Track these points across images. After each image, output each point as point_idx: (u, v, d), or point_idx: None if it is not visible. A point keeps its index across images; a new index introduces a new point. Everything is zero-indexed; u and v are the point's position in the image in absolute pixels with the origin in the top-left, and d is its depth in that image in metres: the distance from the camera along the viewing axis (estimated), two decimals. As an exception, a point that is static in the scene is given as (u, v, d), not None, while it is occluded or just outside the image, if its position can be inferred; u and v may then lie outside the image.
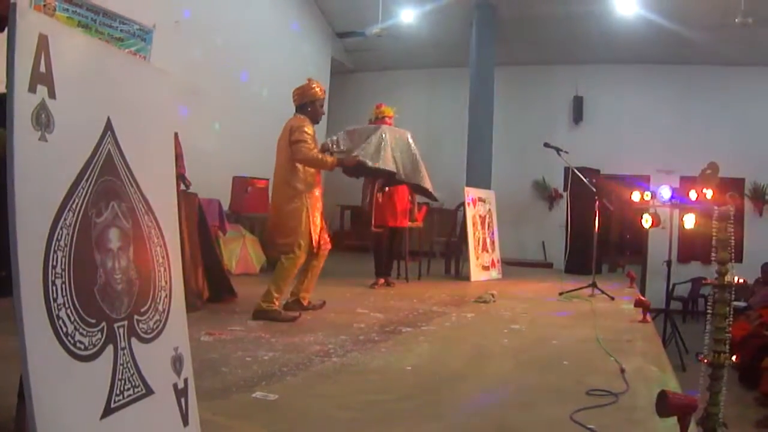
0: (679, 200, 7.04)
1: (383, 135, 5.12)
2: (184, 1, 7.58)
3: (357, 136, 5.15)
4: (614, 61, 11.24)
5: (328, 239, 4.70)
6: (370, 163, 4.94)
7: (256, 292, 4.52)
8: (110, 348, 1.53)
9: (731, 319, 2.85)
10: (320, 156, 4.46)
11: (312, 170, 4.50)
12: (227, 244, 6.74)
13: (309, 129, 4.40)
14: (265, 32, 9.44)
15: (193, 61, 7.45)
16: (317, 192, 4.54)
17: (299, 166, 4.41)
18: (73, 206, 1.46)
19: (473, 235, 7.53)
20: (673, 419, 2.14)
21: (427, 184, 5.77)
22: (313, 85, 4.54)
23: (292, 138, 4.34)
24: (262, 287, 4.44)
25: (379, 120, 5.91)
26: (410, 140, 5.59)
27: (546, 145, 6.56)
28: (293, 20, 10.54)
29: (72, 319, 1.40)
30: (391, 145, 5.19)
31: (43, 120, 1.37)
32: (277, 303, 4.36)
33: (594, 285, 6.19)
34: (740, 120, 10.78)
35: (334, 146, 4.95)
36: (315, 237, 4.46)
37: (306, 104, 4.49)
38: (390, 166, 5.12)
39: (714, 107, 10.92)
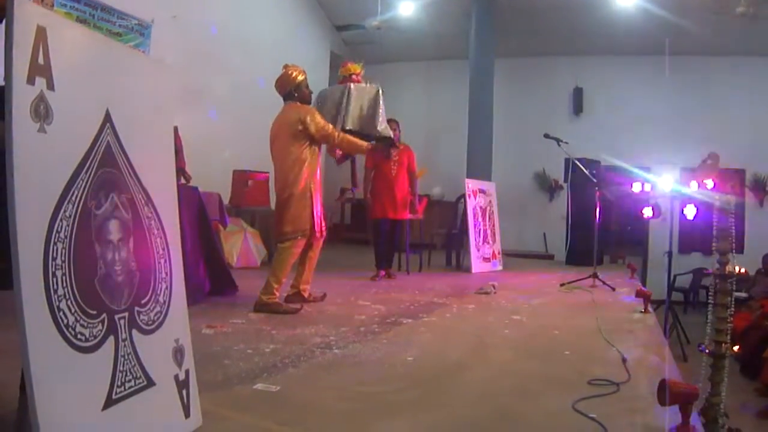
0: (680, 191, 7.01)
1: (350, 93, 5.01)
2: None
3: (328, 99, 5.10)
4: (614, 52, 11.19)
5: (324, 228, 4.69)
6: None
7: (257, 285, 4.52)
8: (111, 339, 1.54)
9: (732, 309, 2.84)
10: (356, 140, 4.65)
11: (314, 156, 4.48)
12: (228, 238, 6.74)
13: (318, 114, 4.48)
14: (263, 25, 9.40)
15: (191, 55, 7.42)
16: (318, 177, 4.55)
17: (305, 152, 4.40)
18: (73, 198, 1.45)
19: (474, 226, 7.54)
20: (675, 408, 2.14)
21: (384, 130, 5.28)
22: (290, 71, 4.52)
23: (312, 129, 4.37)
24: (263, 280, 4.44)
25: (346, 79, 5.75)
26: (380, 94, 5.25)
27: (546, 136, 6.55)
28: (292, 14, 10.49)
29: (72, 310, 1.40)
30: (354, 101, 5.04)
31: (42, 111, 1.36)
32: (277, 294, 4.37)
33: (595, 276, 6.20)
34: (741, 111, 10.72)
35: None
36: (317, 221, 4.49)
37: (291, 91, 4.51)
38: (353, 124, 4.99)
39: (715, 98, 10.87)
